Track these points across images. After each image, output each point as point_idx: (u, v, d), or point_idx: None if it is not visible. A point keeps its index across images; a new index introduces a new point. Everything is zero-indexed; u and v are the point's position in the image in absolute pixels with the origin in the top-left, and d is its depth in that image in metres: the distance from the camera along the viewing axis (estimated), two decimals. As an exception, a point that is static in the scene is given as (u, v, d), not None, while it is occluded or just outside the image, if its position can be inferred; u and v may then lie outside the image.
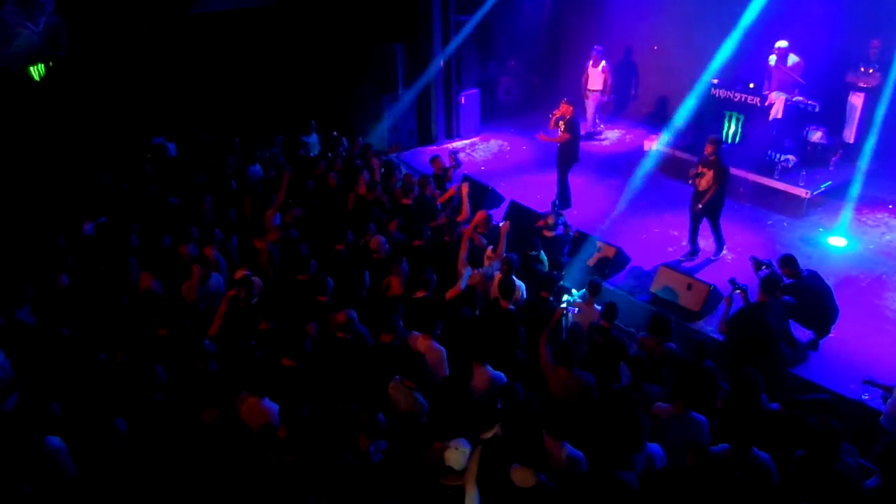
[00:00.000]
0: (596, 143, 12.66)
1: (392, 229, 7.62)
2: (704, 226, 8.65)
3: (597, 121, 12.85)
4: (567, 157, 9.88)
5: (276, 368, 5.13)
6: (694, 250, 8.77)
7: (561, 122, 9.65)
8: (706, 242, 8.87)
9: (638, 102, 13.54)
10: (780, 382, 5.84)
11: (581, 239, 8.54)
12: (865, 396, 6.21)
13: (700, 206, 8.37)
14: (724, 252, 8.77)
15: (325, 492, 4.09)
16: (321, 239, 7.49)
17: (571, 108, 9.65)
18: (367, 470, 4.26)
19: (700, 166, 8.33)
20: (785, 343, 6.38)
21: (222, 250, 7.18)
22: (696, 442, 4.41)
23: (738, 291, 6.29)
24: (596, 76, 12.31)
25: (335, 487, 4.11)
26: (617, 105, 13.53)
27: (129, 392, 5.05)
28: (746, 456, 4.40)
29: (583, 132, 12.52)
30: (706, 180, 8.26)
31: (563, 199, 9.97)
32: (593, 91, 12.43)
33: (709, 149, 8.24)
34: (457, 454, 4.11)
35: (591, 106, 12.62)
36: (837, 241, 9.08)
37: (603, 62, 12.21)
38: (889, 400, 5.54)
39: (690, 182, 8.50)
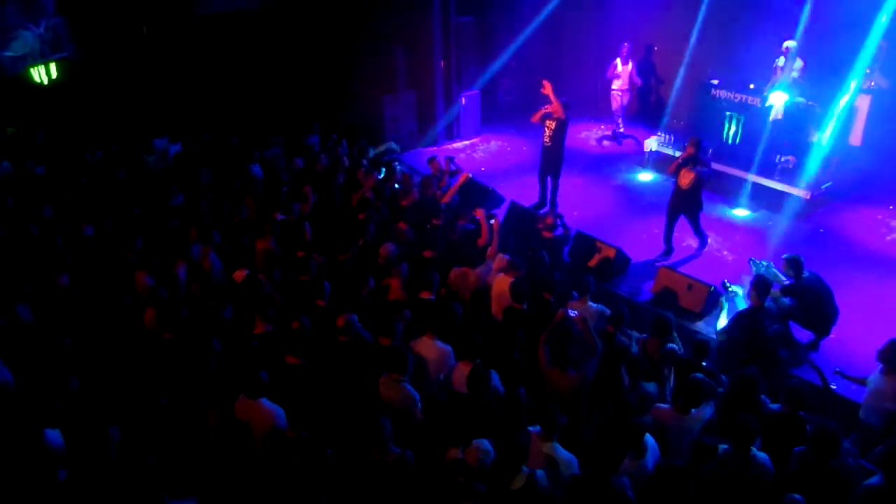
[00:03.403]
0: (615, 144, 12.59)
1: (404, 228, 7.61)
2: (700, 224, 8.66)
3: (620, 122, 12.62)
4: (559, 159, 9.66)
5: (279, 368, 5.12)
6: (669, 249, 8.76)
7: (549, 122, 9.39)
8: (696, 241, 8.87)
9: (637, 102, 13.54)
10: (779, 384, 5.81)
11: (581, 239, 8.55)
12: (834, 387, 6.23)
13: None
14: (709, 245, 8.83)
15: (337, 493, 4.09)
16: (321, 239, 7.49)
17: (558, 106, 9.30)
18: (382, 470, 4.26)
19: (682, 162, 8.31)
20: (783, 346, 6.36)
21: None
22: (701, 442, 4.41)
23: (732, 294, 6.26)
24: (625, 74, 12.10)
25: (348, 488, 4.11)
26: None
27: (131, 395, 5.06)
28: (746, 456, 4.40)
29: (610, 132, 12.58)
30: (688, 178, 8.24)
31: (554, 202, 9.93)
32: (621, 90, 12.20)
33: (690, 150, 8.22)
34: (479, 455, 4.10)
35: (617, 105, 12.40)
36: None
37: (630, 61, 12.07)
38: (865, 393, 5.59)
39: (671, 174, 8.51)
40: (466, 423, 4.59)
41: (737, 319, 6.18)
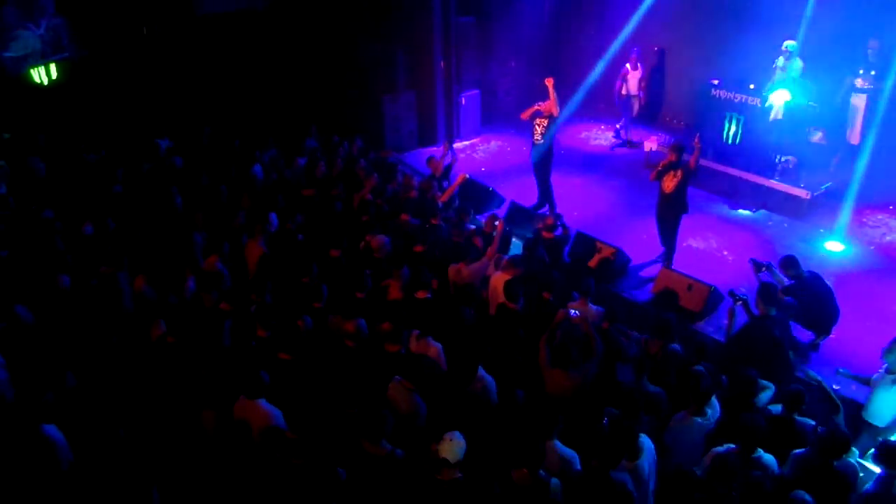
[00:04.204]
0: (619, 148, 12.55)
1: (406, 219, 7.54)
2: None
3: (629, 128, 12.53)
4: (549, 157, 9.65)
5: (272, 365, 5.10)
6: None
7: (540, 119, 9.31)
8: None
9: (639, 103, 13.52)
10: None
11: (581, 239, 8.54)
12: (836, 387, 6.22)
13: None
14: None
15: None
16: (320, 242, 7.48)
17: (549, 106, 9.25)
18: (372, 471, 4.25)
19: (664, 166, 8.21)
20: (792, 350, 6.32)
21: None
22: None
23: (739, 303, 6.16)
24: (635, 80, 12.10)
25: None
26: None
27: (128, 394, 5.06)
28: (749, 456, 4.40)
29: (621, 139, 12.52)
30: (672, 183, 8.17)
31: (551, 201, 9.89)
32: (632, 96, 12.18)
33: (671, 156, 8.14)
34: (451, 446, 4.01)
35: (629, 111, 12.36)
36: (835, 245, 8.97)
37: (640, 65, 12.04)
38: (869, 392, 5.60)
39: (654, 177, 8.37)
40: (451, 414, 4.59)
41: (745, 329, 6.10)
